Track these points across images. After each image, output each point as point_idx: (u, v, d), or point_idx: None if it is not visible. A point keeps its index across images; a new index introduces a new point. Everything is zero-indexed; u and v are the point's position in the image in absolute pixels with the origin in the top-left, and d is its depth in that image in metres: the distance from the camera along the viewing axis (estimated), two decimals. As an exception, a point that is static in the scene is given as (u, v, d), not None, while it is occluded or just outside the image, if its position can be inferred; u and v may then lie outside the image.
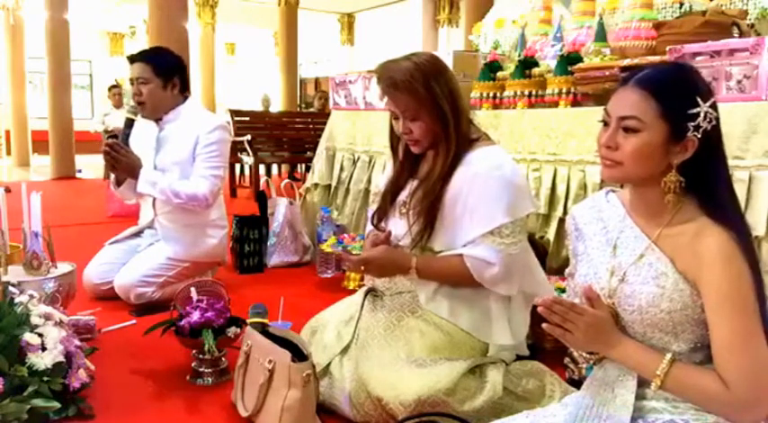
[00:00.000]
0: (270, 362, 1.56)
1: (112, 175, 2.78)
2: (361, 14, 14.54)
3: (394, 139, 1.82)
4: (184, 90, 2.83)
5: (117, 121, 8.12)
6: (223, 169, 2.80)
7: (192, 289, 1.97)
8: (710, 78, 1.93)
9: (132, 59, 2.76)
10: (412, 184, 1.76)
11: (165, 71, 2.71)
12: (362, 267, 1.75)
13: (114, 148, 2.59)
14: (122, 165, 2.63)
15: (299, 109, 11.92)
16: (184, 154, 2.72)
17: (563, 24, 3.06)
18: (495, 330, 1.73)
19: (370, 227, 1.91)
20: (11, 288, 1.77)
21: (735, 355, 1.01)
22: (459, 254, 1.67)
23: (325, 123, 3.91)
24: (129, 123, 2.66)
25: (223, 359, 1.95)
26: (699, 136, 1.05)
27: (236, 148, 6.73)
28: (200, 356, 1.91)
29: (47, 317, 1.71)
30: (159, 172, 2.72)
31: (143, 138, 2.78)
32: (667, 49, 2.14)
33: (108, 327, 2.37)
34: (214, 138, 2.73)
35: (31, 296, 1.77)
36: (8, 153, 12.39)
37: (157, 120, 2.79)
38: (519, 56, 2.97)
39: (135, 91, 2.72)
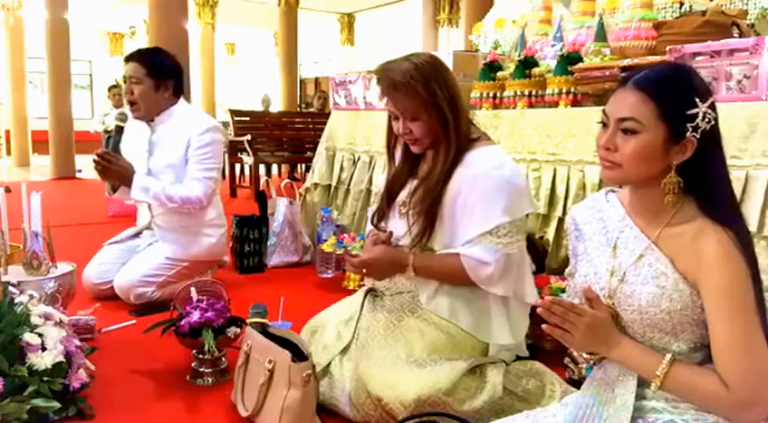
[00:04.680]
0: (270, 362, 1.56)
1: (107, 183, 2.77)
2: (361, 14, 14.53)
3: (391, 139, 1.83)
4: (178, 93, 2.80)
5: (117, 121, 8.12)
6: (216, 171, 2.78)
7: (192, 289, 1.98)
8: (710, 78, 1.93)
9: (127, 59, 2.75)
10: (411, 184, 1.76)
11: (158, 73, 2.69)
12: (364, 270, 1.75)
13: (104, 157, 2.57)
14: (113, 173, 2.61)
15: (298, 109, 11.91)
16: (177, 157, 2.70)
17: (563, 24, 3.06)
18: (495, 330, 1.73)
19: (370, 227, 1.91)
20: (11, 288, 1.77)
21: (734, 355, 1.01)
22: (457, 253, 1.67)
23: (325, 123, 3.91)
24: (119, 130, 2.64)
25: (223, 359, 1.96)
26: (698, 136, 1.05)
27: (236, 148, 6.74)
28: (200, 356, 1.91)
29: (47, 317, 1.71)
30: (152, 177, 2.70)
31: (136, 141, 2.77)
32: (667, 49, 2.14)
33: (108, 327, 2.37)
34: (206, 140, 2.71)
35: (31, 296, 1.77)
36: (8, 153, 12.39)
37: (149, 121, 2.78)
38: (519, 56, 2.97)
39: (127, 90, 2.72)
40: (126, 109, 2.78)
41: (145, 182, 2.64)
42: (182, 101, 2.84)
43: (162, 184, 2.65)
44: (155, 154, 2.75)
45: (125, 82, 2.73)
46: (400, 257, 1.71)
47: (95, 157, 2.59)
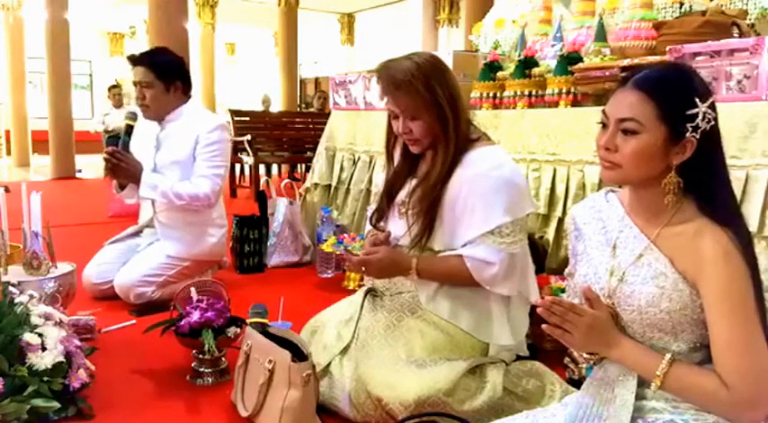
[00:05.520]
0: (270, 362, 1.56)
1: (115, 181, 2.78)
2: (361, 14, 14.53)
3: (390, 139, 1.82)
4: (187, 91, 2.84)
5: (117, 121, 8.14)
6: (224, 168, 2.81)
7: (192, 289, 1.98)
8: (710, 78, 1.93)
9: (134, 62, 2.76)
10: (410, 184, 1.76)
11: (167, 75, 2.73)
12: (363, 268, 1.75)
13: (114, 155, 2.60)
14: (123, 171, 2.63)
15: (298, 109, 11.91)
16: (184, 153, 2.73)
17: (563, 24, 3.06)
18: (495, 331, 1.73)
19: (369, 226, 1.91)
20: (11, 288, 1.77)
21: (734, 355, 1.01)
22: (460, 254, 1.67)
23: (325, 123, 3.91)
24: (129, 130, 2.67)
25: (223, 359, 1.95)
26: (697, 136, 1.05)
27: (236, 148, 6.74)
28: (200, 356, 1.91)
29: (47, 317, 1.71)
30: (160, 174, 2.72)
31: (144, 137, 2.79)
32: (667, 49, 2.14)
33: (108, 327, 2.37)
34: (214, 137, 2.74)
35: (31, 296, 1.77)
36: (8, 153, 12.40)
37: (159, 119, 2.80)
38: (519, 56, 2.97)
39: (138, 94, 2.74)
40: (134, 107, 2.79)
41: (153, 179, 2.66)
42: (191, 100, 2.88)
43: (170, 182, 2.68)
44: (162, 150, 2.78)
45: (135, 86, 2.75)
46: (403, 260, 1.71)
47: (105, 155, 2.61)
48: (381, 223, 1.84)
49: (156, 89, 2.71)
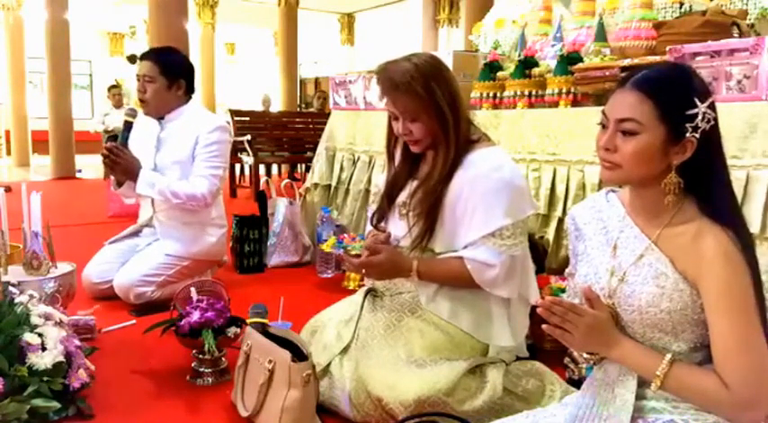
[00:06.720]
0: (270, 362, 1.56)
1: (113, 177, 2.79)
2: (361, 14, 14.53)
3: (391, 140, 1.82)
4: (190, 92, 2.85)
5: (117, 121, 8.14)
6: (223, 169, 2.81)
7: (192, 289, 1.98)
8: (710, 78, 1.93)
9: (142, 57, 2.80)
10: (411, 185, 1.76)
11: (171, 72, 2.75)
12: (363, 271, 1.75)
13: (113, 150, 2.61)
14: (121, 167, 2.65)
15: (298, 109, 11.91)
16: (185, 153, 2.74)
17: (563, 24, 3.06)
18: (495, 331, 1.73)
19: (369, 227, 1.91)
20: (11, 288, 1.77)
21: (734, 355, 1.01)
22: (460, 256, 1.67)
23: (325, 123, 3.91)
24: (128, 126, 2.68)
25: (223, 359, 1.96)
26: (697, 136, 1.05)
27: (236, 148, 6.74)
28: (200, 356, 1.91)
29: (47, 317, 1.72)
30: (158, 173, 2.73)
31: (144, 137, 2.80)
32: (667, 49, 2.14)
33: (108, 327, 2.37)
34: (214, 138, 2.75)
35: (31, 296, 1.77)
36: (8, 153, 12.40)
37: (159, 119, 2.81)
38: (519, 56, 2.97)
39: (139, 88, 2.76)
40: (134, 105, 2.81)
41: (151, 177, 2.67)
42: (192, 101, 2.89)
43: (168, 180, 2.68)
44: (162, 150, 2.79)
45: (138, 80, 2.77)
46: (404, 262, 1.71)
47: (104, 151, 2.62)
48: (382, 224, 1.84)
49: (159, 84, 2.73)
